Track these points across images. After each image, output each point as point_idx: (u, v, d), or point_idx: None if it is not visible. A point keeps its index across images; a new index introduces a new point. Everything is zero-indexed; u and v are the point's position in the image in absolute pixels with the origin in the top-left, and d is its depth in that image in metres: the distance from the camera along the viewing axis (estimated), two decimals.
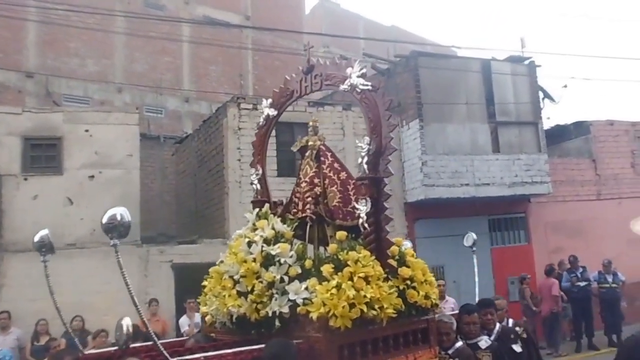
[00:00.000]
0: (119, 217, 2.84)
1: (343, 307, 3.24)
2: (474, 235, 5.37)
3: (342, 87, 3.93)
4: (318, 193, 4.17)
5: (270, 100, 4.61)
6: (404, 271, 3.69)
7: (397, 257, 3.75)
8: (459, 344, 4.32)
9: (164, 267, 10.62)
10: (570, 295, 12.05)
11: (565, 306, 12.12)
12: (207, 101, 18.70)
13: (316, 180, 4.24)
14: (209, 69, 19.54)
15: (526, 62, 13.85)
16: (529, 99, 13.50)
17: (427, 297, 3.81)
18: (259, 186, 4.48)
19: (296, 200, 4.30)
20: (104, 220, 2.85)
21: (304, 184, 4.27)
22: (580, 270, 12.21)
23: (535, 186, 12.98)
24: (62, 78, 16.46)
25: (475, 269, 5.51)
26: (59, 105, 14.20)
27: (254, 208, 4.33)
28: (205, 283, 4.08)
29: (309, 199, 4.16)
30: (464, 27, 62.52)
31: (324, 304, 3.25)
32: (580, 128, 15.49)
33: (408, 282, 3.69)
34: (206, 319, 3.90)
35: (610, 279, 12.10)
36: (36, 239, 3.59)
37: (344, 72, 3.95)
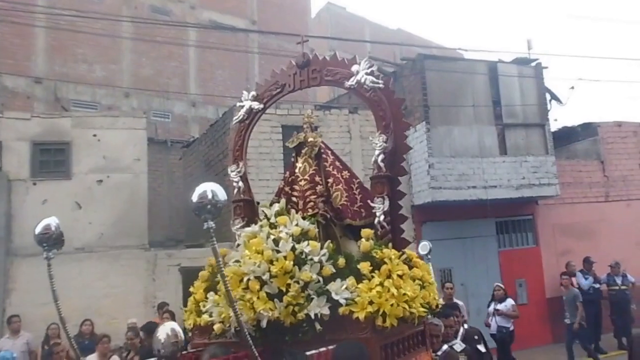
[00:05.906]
0: (209, 195, 2.40)
1: (392, 305, 3.13)
2: (429, 244, 5.57)
3: (348, 83, 3.73)
4: (322, 191, 3.99)
5: (253, 93, 4.29)
6: (415, 272, 3.66)
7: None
8: (445, 346, 4.44)
9: (172, 271, 10.64)
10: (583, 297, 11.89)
11: None
12: (213, 105, 18.75)
13: (317, 179, 4.05)
14: (215, 73, 19.59)
15: (533, 64, 13.79)
16: (535, 101, 13.44)
17: (434, 298, 3.81)
18: (241, 184, 4.22)
19: (295, 199, 4.05)
20: (194, 198, 2.41)
21: (303, 182, 4.06)
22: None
23: (543, 188, 12.90)
24: (70, 83, 16.55)
25: (433, 277, 5.98)
26: (67, 111, 14.29)
27: (235, 207, 4.11)
28: (192, 289, 3.78)
29: (313, 197, 3.97)
30: (470, 30, 62.44)
31: (371, 303, 3.10)
32: (588, 129, 15.41)
33: (420, 282, 3.67)
34: (215, 327, 3.41)
35: (619, 280, 11.98)
36: (38, 229, 2.81)
37: (349, 69, 3.76)
